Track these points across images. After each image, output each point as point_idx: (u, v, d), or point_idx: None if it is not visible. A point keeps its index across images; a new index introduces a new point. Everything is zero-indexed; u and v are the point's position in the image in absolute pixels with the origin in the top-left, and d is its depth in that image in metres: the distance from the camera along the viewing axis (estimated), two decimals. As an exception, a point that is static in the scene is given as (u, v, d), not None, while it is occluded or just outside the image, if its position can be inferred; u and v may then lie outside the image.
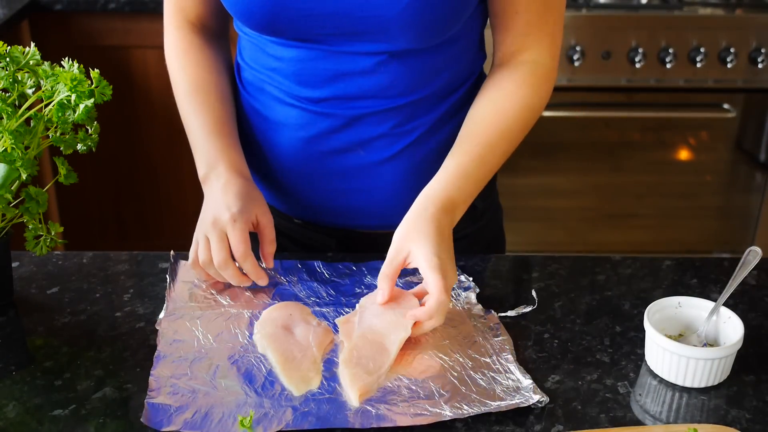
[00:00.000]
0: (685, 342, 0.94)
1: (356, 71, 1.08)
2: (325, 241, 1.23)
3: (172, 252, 1.12)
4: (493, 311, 1.04)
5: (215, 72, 1.19)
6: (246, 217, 1.06)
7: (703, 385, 0.92)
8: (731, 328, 0.95)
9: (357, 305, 1.02)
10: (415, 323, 0.96)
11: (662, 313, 0.97)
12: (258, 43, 1.13)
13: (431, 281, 0.95)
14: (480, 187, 1.08)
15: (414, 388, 0.90)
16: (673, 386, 0.92)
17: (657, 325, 0.95)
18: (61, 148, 1.03)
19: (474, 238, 1.23)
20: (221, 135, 1.13)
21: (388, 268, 1.00)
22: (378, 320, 0.98)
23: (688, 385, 0.92)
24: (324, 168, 1.15)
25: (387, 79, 1.09)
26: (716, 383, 0.92)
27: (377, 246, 1.20)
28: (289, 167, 1.16)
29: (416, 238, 0.99)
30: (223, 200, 1.06)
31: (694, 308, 0.98)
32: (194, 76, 1.18)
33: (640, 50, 2.31)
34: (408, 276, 1.11)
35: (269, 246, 1.09)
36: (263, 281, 1.06)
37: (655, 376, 0.94)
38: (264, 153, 1.18)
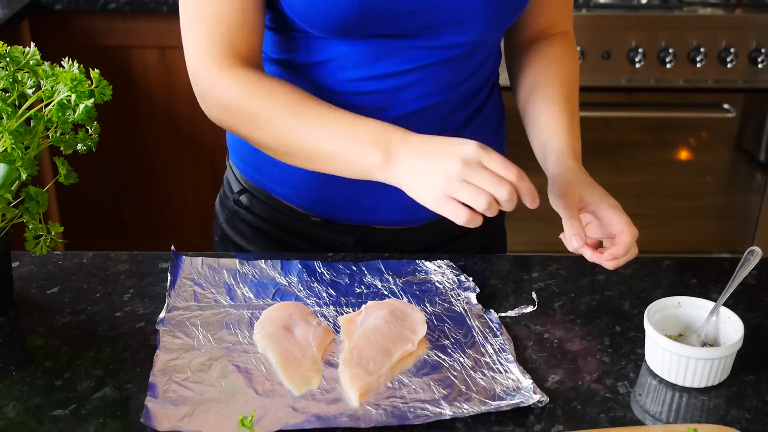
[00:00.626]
0: (685, 342, 0.94)
1: (414, 68, 1.08)
2: (343, 239, 1.21)
3: (172, 247, 1.12)
4: (493, 311, 1.04)
5: (293, 85, 1.05)
6: None
7: (703, 385, 0.92)
8: (731, 327, 0.95)
9: (363, 306, 1.02)
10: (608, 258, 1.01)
11: (662, 313, 0.97)
12: (294, 39, 1.09)
13: (618, 218, 1.01)
14: (579, 140, 1.13)
15: (414, 388, 0.90)
16: (673, 386, 0.92)
17: (657, 325, 0.95)
18: (61, 148, 1.03)
19: (475, 235, 1.24)
20: (359, 119, 0.99)
21: (572, 210, 1.02)
22: (383, 325, 0.98)
23: (688, 385, 0.92)
24: None
25: (439, 75, 1.10)
26: (716, 383, 0.92)
27: (395, 243, 1.20)
28: None
29: (582, 186, 1.04)
30: (443, 143, 0.93)
31: (694, 308, 0.98)
32: (288, 96, 1.01)
33: (640, 50, 2.31)
34: (408, 276, 1.11)
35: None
36: (537, 200, 0.94)
37: (655, 376, 0.94)
38: None
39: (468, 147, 0.91)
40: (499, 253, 1.34)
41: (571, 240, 1.01)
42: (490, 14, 1.05)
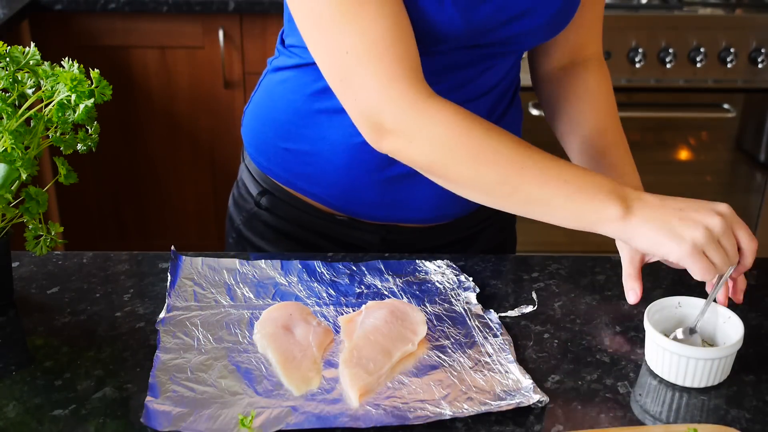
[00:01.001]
0: (686, 342, 0.94)
1: (454, 65, 1.08)
2: (368, 238, 1.21)
3: (172, 247, 1.12)
4: (493, 311, 1.04)
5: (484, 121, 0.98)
6: None
7: (703, 385, 0.92)
8: (731, 328, 0.95)
9: (363, 306, 1.02)
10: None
11: (662, 313, 0.97)
12: None
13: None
14: (637, 173, 1.12)
15: (414, 387, 0.90)
16: (673, 386, 0.92)
17: (657, 325, 0.95)
18: (61, 148, 1.03)
19: (494, 231, 1.24)
20: (588, 171, 0.96)
21: (631, 268, 1.04)
22: (383, 325, 0.98)
23: (688, 385, 0.92)
24: (379, 160, 1.11)
25: (473, 81, 1.11)
26: (716, 383, 0.92)
27: (420, 242, 1.20)
28: (345, 161, 1.13)
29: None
30: (688, 200, 0.96)
31: (694, 308, 0.98)
32: (509, 135, 0.96)
33: (640, 50, 2.31)
34: (408, 276, 1.11)
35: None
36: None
37: (655, 376, 0.94)
38: (318, 146, 1.14)
39: (723, 207, 0.94)
40: (512, 249, 1.36)
41: (628, 295, 1.05)
42: (558, 21, 1.07)
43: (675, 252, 0.91)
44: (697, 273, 0.92)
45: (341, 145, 1.12)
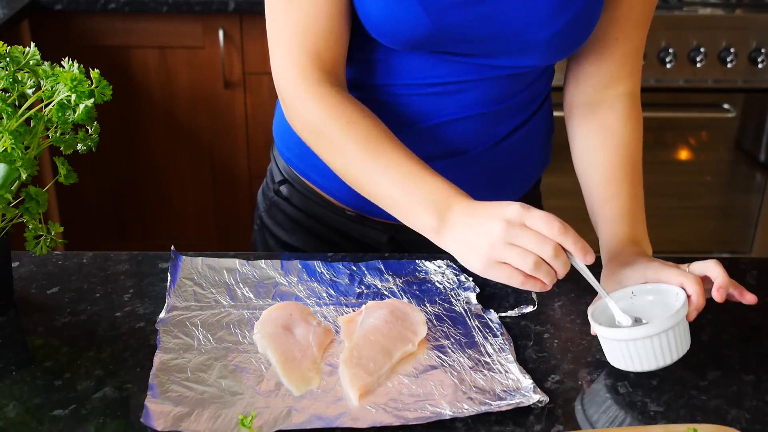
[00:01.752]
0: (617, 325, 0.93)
1: (464, 80, 1.09)
2: (376, 236, 1.23)
3: (172, 247, 1.12)
4: (493, 311, 1.04)
5: (378, 126, 1.02)
6: None
7: (658, 366, 0.91)
8: (674, 301, 0.93)
9: (363, 306, 1.02)
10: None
11: (618, 304, 0.96)
12: (355, 38, 1.09)
13: (678, 275, 0.93)
14: (643, 220, 1.07)
15: (414, 387, 0.90)
16: (673, 386, 0.92)
17: (611, 318, 0.95)
18: (61, 148, 1.03)
19: None
20: (428, 175, 0.97)
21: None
22: (383, 325, 0.98)
23: (646, 369, 0.91)
24: None
25: (485, 90, 1.10)
26: (676, 359, 0.91)
27: (429, 244, 1.20)
28: None
29: (624, 270, 0.98)
30: (487, 207, 0.91)
31: (650, 295, 0.96)
32: (366, 131, 1.00)
33: (640, 50, 2.31)
34: (408, 276, 1.11)
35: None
36: (591, 256, 0.90)
37: (654, 376, 0.94)
38: None
39: (510, 208, 0.89)
40: None
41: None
42: (556, 45, 1.05)
43: (475, 268, 0.90)
44: (503, 280, 0.89)
45: None
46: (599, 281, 0.99)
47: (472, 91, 1.10)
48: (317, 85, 1.02)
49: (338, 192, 1.20)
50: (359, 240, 1.24)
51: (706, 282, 0.95)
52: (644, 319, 0.96)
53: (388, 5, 1.00)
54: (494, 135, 1.15)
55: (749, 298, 0.95)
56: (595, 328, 0.93)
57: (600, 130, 1.12)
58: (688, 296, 0.92)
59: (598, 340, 1.00)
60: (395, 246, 1.23)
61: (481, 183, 1.17)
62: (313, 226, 1.25)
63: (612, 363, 0.94)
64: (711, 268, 0.94)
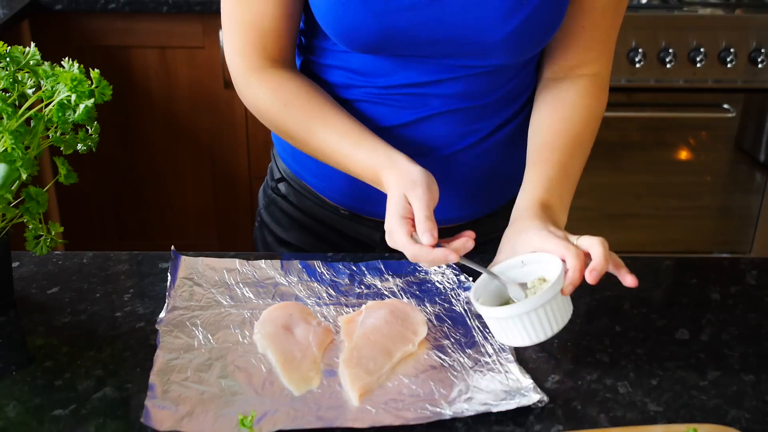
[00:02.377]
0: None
1: (436, 80, 1.10)
2: (370, 234, 1.24)
3: (172, 247, 1.12)
4: (493, 311, 1.03)
5: (319, 94, 1.10)
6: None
7: (541, 339, 0.92)
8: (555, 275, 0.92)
9: (363, 306, 1.02)
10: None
11: (507, 275, 0.96)
12: (322, 40, 1.13)
13: (561, 247, 0.93)
14: (567, 190, 1.07)
15: (414, 387, 0.90)
16: (673, 386, 0.92)
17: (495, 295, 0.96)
18: (61, 148, 1.03)
19: (495, 248, 1.24)
20: (361, 145, 1.05)
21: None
22: (383, 325, 0.98)
23: (520, 344, 0.92)
24: None
25: (462, 87, 1.11)
26: (553, 333, 0.92)
27: None
28: None
29: (518, 236, 0.98)
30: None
31: (538, 264, 0.95)
32: (302, 103, 1.09)
33: (640, 50, 2.31)
34: (408, 276, 1.11)
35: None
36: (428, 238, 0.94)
37: (654, 376, 0.94)
38: None
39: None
40: None
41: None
42: (512, 46, 1.05)
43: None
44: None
45: None
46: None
47: (441, 89, 1.10)
48: (260, 71, 1.10)
49: (330, 191, 1.22)
50: (354, 238, 1.25)
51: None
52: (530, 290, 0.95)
53: (338, 11, 1.03)
54: (477, 130, 1.15)
55: (629, 280, 0.93)
56: (476, 306, 0.93)
57: (553, 101, 1.13)
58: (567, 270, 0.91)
59: (597, 340, 1.00)
60: (389, 245, 1.23)
61: (466, 181, 1.18)
62: (309, 223, 1.26)
63: (496, 338, 0.95)
64: (594, 247, 0.93)
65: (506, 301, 0.97)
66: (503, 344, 0.96)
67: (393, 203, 0.97)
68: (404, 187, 0.97)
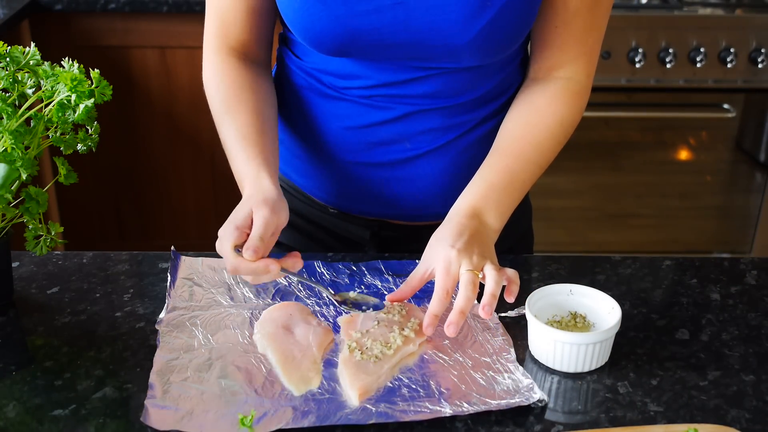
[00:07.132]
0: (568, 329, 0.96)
1: (413, 78, 1.10)
2: (359, 232, 1.24)
3: (172, 248, 1.12)
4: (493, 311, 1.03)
5: (250, 89, 1.14)
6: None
7: (579, 370, 0.94)
8: (613, 317, 0.96)
9: (363, 307, 1.02)
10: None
11: (548, 300, 1.00)
12: (295, 43, 1.16)
13: (439, 270, 0.97)
14: (508, 196, 1.07)
15: (414, 387, 0.90)
16: (673, 386, 0.92)
17: (545, 311, 0.98)
18: (61, 148, 1.03)
19: (501, 234, 1.24)
20: (243, 160, 1.09)
21: (413, 279, 1.01)
22: (384, 325, 0.98)
23: (565, 370, 0.94)
24: (367, 157, 1.16)
25: (440, 85, 1.11)
26: (592, 368, 0.94)
27: (410, 238, 1.20)
28: (332, 154, 1.18)
29: (434, 245, 1.01)
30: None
31: (585, 297, 0.99)
32: (228, 93, 1.14)
33: (640, 50, 2.31)
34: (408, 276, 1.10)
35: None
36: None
37: (654, 376, 0.94)
38: (307, 139, 1.19)
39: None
40: (527, 251, 1.34)
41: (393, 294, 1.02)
42: (479, 48, 1.05)
43: None
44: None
45: (328, 140, 1.17)
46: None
47: (417, 88, 1.11)
48: (218, 53, 1.16)
49: (318, 191, 1.23)
50: (344, 237, 1.25)
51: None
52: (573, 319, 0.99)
53: (303, 14, 1.05)
54: (460, 125, 1.15)
55: (483, 312, 0.95)
56: (531, 323, 0.95)
57: (522, 104, 1.13)
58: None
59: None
60: (379, 242, 1.24)
61: (448, 177, 1.18)
62: (298, 222, 1.26)
63: (536, 356, 0.96)
64: (487, 274, 0.97)
65: (555, 315, 0.99)
66: (540, 360, 0.96)
67: (236, 212, 1.01)
68: (253, 202, 1.00)
